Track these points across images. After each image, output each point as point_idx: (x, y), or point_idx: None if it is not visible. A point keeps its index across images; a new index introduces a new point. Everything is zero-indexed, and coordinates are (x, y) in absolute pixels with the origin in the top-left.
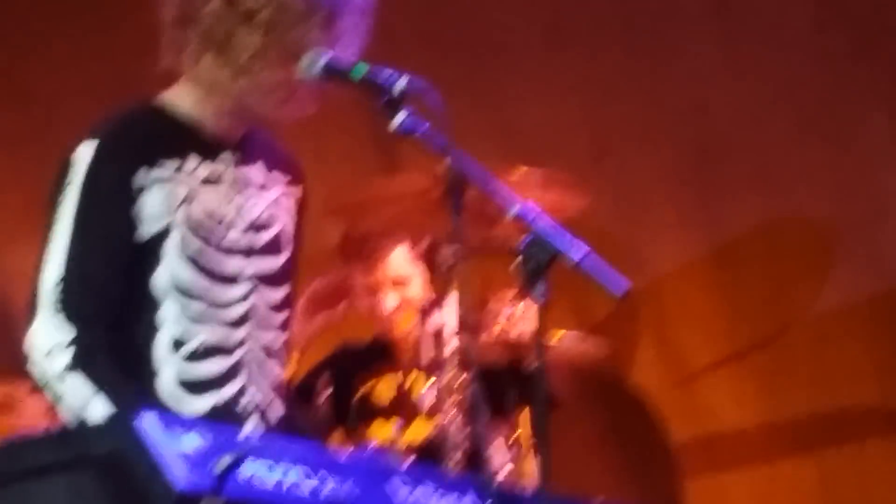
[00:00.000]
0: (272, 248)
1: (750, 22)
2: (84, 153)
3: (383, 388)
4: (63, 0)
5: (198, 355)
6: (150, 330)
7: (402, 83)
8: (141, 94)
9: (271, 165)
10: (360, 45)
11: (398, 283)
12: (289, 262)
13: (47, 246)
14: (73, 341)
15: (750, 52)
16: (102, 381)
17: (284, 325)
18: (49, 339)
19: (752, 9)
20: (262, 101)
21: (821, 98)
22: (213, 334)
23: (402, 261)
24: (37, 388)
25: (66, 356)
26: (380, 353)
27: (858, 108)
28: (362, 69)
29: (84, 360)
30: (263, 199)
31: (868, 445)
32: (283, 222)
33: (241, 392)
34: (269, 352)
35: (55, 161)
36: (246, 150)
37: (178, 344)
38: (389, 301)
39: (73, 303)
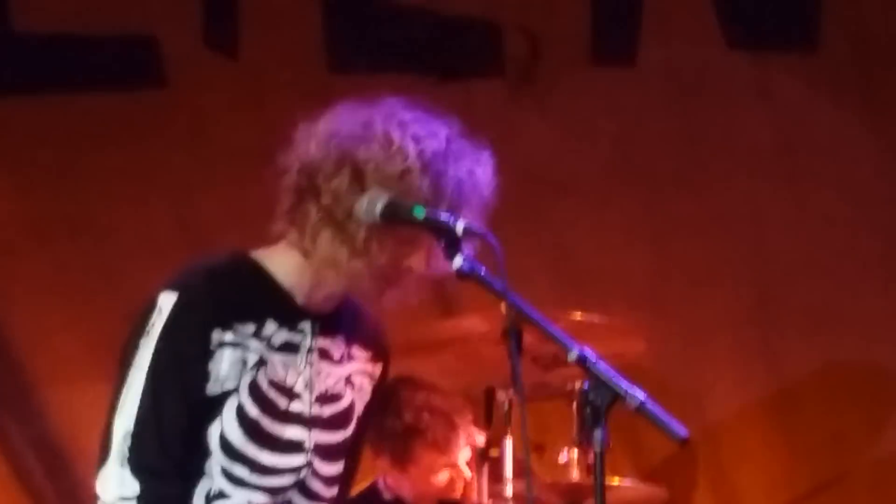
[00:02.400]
0: (335, 422)
1: (813, 164)
2: (165, 303)
3: None
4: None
5: None
6: (196, 474)
7: (461, 225)
8: (203, 240)
9: (353, 340)
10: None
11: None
12: (350, 438)
13: (121, 392)
14: (138, 497)
15: (812, 195)
16: None
17: (334, 501)
18: (115, 490)
19: (816, 150)
20: (370, 283)
21: (884, 242)
22: (249, 497)
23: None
24: None
25: None
26: None
27: None
28: (421, 211)
29: None
30: (335, 374)
31: None
32: (352, 399)
33: None
34: None
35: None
36: (329, 322)
37: (210, 498)
38: (441, 478)
39: (139, 459)
